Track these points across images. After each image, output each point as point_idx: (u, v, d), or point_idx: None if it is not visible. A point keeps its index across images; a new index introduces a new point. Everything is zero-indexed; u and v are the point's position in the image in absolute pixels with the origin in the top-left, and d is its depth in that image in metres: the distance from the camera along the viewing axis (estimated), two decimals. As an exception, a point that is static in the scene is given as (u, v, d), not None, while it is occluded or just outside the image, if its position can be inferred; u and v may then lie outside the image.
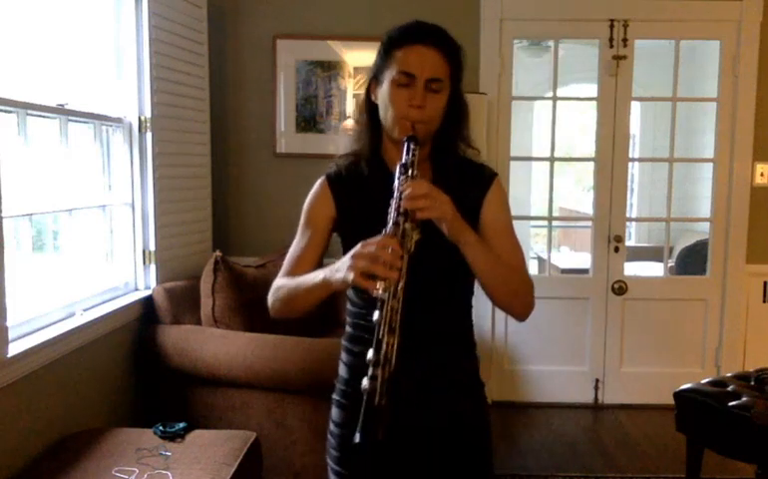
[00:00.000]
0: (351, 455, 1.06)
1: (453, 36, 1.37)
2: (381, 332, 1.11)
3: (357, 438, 1.07)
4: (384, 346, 1.11)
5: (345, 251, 1.34)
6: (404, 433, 1.35)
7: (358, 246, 1.19)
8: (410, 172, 1.25)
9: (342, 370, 1.47)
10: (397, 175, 1.26)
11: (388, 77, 1.33)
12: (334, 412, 1.45)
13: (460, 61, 1.37)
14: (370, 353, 1.11)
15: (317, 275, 1.30)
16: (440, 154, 1.40)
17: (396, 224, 1.19)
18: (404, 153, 1.28)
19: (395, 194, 1.23)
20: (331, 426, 1.46)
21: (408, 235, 1.19)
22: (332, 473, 1.44)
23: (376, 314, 1.13)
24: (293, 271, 1.42)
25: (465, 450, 1.42)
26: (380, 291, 1.13)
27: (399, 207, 1.20)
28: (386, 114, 1.34)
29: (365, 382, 1.09)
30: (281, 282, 1.40)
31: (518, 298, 1.36)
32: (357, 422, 1.37)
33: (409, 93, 1.30)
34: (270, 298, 1.42)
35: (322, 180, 1.45)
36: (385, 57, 1.35)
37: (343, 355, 1.46)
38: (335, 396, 1.46)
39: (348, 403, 1.41)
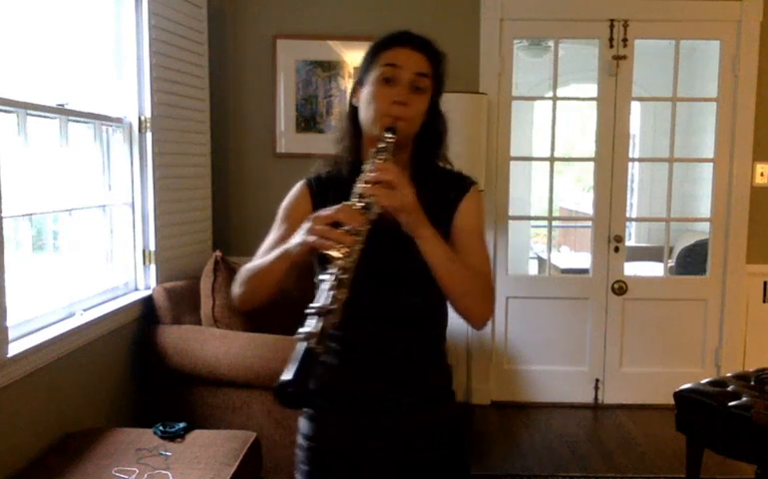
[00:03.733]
0: (275, 395, 1.02)
1: (438, 47, 1.38)
2: (329, 285, 1.10)
3: (286, 375, 1.03)
4: (330, 297, 1.09)
5: (320, 262, 1.31)
6: (374, 445, 1.35)
7: (315, 213, 1.20)
8: (382, 156, 1.25)
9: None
10: (370, 158, 1.26)
11: (373, 76, 1.33)
12: (302, 424, 1.42)
13: (443, 73, 1.38)
14: (313, 303, 1.09)
15: (276, 252, 1.28)
16: (419, 162, 1.39)
17: (360, 195, 1.20)
18: (380, 141, 1.28)
19: (363, 174, 1.23)
20: (300, 439, 1.43)
21: (371, 206, 1.18)
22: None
23: (326, 275, 1.12)
24: None
25: (437, 463, 1.39)
26: (335, 253, 1.13)
27: (362, 188, 1.20)
28: (367, 112, 1.33)
29: (304, 328, 1.06)
30: (245, 267, 1.38)
31: (474, 302, 1.32)
32: (326, 434, 1.35)
33: (392, 90, 1.30)
34: (234, 287, 1.39)
35: (302, 183, 1.45)
36: (371, 59, 1.36)
37: None
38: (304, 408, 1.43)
39: (316, 414, 1.39)
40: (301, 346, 1.05)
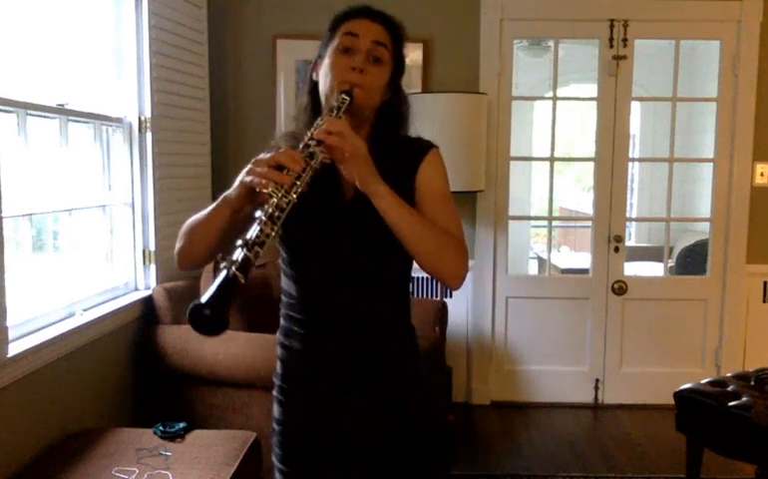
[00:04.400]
0: (188, 317, 1.01)
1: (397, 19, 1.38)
2: (260, 219, 1.08)
3: (202, 299, 1.01)
4: (258, 232, 1.07)
5: (282, 241, 1.32)
6: (341, 426, 1.34)
7: (256, 157, 1.19)
8: (334, 113, 1.23)
9: (277, 366, 1.43)
10: (322, 116, 1.25)
11: (331, 47, 1.33)
12: (275, 409, 1.42)
13: (401, 46, 1.37)
14: (242, 235, 1.08)
15: (216, 201, 1.25)
16: (378, 137, 1.36)
17: (306, 146, 1.18)
18: (334, 100, 1.26)
19: (312, 128, 1.21)
20: (273, 424, 1.42)
21: (315, 155, 1.17)
22: (277, 472, 1.40)
23: (260, 211, 1.11)
24: None
25: (412, 445, 1.37)
26: (270, 189, 1.11)
27: (309, 137, 1.19)
28: (326, 82, 1.32)
29: (227, 257, 1.05)
30: (185, 223, 1.35)
31: (443, 261, 1.26)
32: (294, 418, 1.35)
33: (351, 59, 1.29)
34: (176, 245, 1.37)
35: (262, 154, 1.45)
36: (330, 33, 1.36)
37: (278, 350, 1.43)
38: (274, 393, 1.42)
39: (285, 399, 1.39)
40: (222, 273, 1.03)
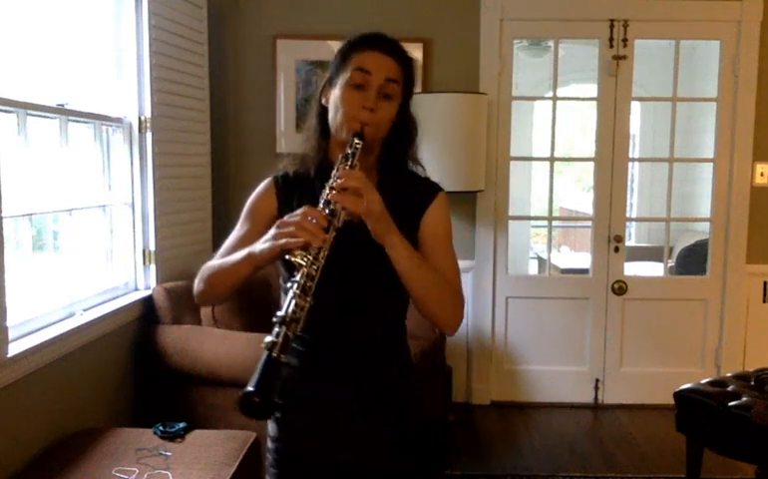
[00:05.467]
0: (239, 407, 1.06)
1: (407, 50, 1.39)
2: (293, 293, 1.11)
3: (250, 387, 1.05)
4: (293, 306, 1.10)
5: (285, 264, 1.32)
6: (336, 444, 1.36)
7: (282, 218, 1.21)
8: (349, 162, 1.25)
9: None
10: (337, 164, 1.26)
11: (342, 79, 1.33)
12: (270, 426, 1.43)
13: (412, 76, 1.39)
14: (278, 313, 1.11)
15: (241, 253, 1.28)
16: (387, 165, 1.40)
17: (326, 203, 1.20)
18: (348, 146, 1.28)
19: (330, 180, 1.23)
20: (268, 442, 1.44)
21: (337, 213, 1.19)
22: None
23: (291, 283, 1.13)
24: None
25: (402, 456, 1.40)
26: (299, 257, 1.14)
27: (328, 194, 1.21)
28: (336, 115, 1.33)
29: (268, 337, 1.08)
30: (207, 265, 1.38)
31: (443, 308, 1.32)
32: (290, 436, 1.36)
33: (362, 96, 1.30)
34: (196, 282, 1.39)
35: (269, 180, 1.45)
36: (342, 60, 1.36)
37: None
38: None
39: (281, 416, 1.40)
40: (264, 356, 1.07)
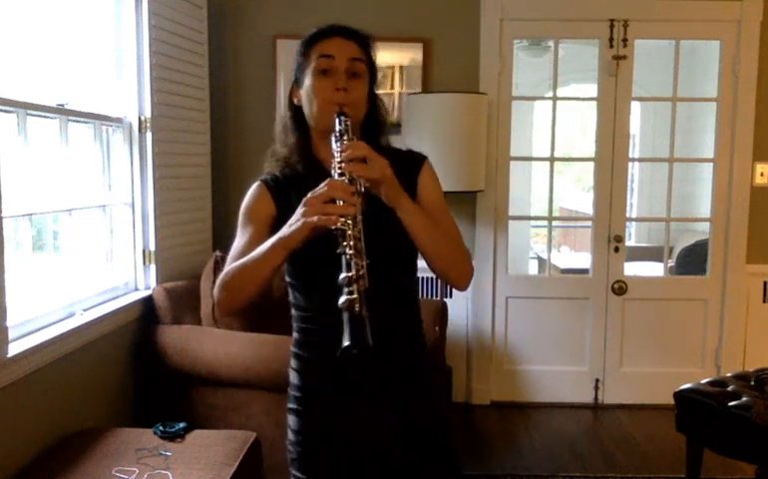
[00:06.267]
0: (339, 360, 1.10)
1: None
2: (349, 256, 1.15)
3: (346, 342, 1.09)
4: (354, 267, 1.14)
5: (291, 258, 1.31)
6: (358, 432, 1.36)
7: (307, 196, 1.22)
8: (345, 137, 1.27)
9: (293, 377, 1.44)
10: (333, 142, 1.28)
11: (308, 72, 1.36)
12: (291, 420, 1.43)
13: (374, 58, 1.42)
14: (342, 276, 1.14)
15: (268, 243, 1.26)
16: (373, 146, 1.38)
17: (341, 175, 1.22)
18: (336, 125, 1.29)
19: (334, 157, 1.25)
20: (290, 435, 1.43)
21: (356, 180, 1.22)
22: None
23: (342, 249, 1.16)
24: None
25: (421, 444, 1.41)
26: (340, 224, 1.17)
27: (340, 168, 1.23)
28: (311, 107, 1.36)
29: (342, 298, 1.12)
30: (226, 271, 1.34)
31: (455, 265, 1.39)
32: (311, 426, 1.37)
33: (331, 80, 1.33)
34: (217, 292, 1.35)
35: (258, 185, 1.44)
36: (303, 56, 1.39)
37: (293, 362, 1.44)
38: (290, 405, 1.44)
39: (303, 409, 1.40)
40: (346, 314, 1.12)
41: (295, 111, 1.42)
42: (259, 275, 1.28)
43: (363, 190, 1.23)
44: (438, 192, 1.45)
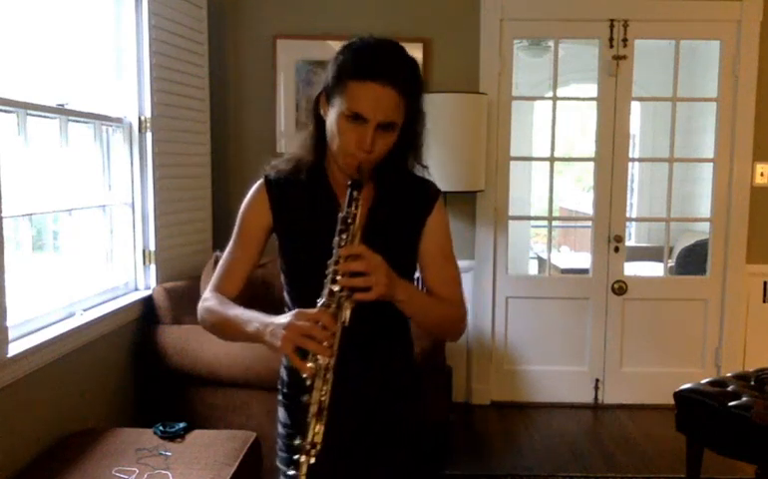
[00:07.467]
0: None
1: (409, 58, 1.28)
2: (309, 416, 1.16)
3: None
4: (311, 434, 1.16)
5: (283, 253, 1.36)
6: (343, 439, 1.37)
7: (293, 316, 1.19)
8: (349, 231, 1.20)
9: (282, 373, 1.49)
10: (338, 228, 1.22)
11: (338, 105, 1.25)
12: (280, 412, 1.49)
13: (417, 88, 1.30)
14: (296, 441, 1.17)
15: (250, 323, 1.27)
16: (385, 169, 1.34)
17: (331, 293, 1.19)
18: (346, 203, 1.22)
19: (334, 252, 1.20)
20: (279, 427, 1.48)
21: (343, 306, 1.19)
22: (282, 476, 1.43)
23: (305, 398, 1.18)
24: (223, 286, 1.42)
25: (402, 453, 1.44)
26: (308, 379, 1.17)
27: (335, 273, 1.18)
28: (332, 140, 1.29)
29: (290, 471, 1.16)
30: (212, 303, 1.38)
31: (445, 333, 1.43)
32: (299, 421, 1.33)
33: (358, 132, 1.23)
34: (200, 312, 1.41)
35: (260, 183, 1.42)
36: (337, 81, 1.26)
37: (283, 359, 1.47)
38: (279, 398, 1.49)
39: (289, 404, 1.44)
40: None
41: (318, 121, 1.34)
42: (235, 338, 1.35)
43: (346, 322, 1.20)
44: (445, 237, 1.40)
